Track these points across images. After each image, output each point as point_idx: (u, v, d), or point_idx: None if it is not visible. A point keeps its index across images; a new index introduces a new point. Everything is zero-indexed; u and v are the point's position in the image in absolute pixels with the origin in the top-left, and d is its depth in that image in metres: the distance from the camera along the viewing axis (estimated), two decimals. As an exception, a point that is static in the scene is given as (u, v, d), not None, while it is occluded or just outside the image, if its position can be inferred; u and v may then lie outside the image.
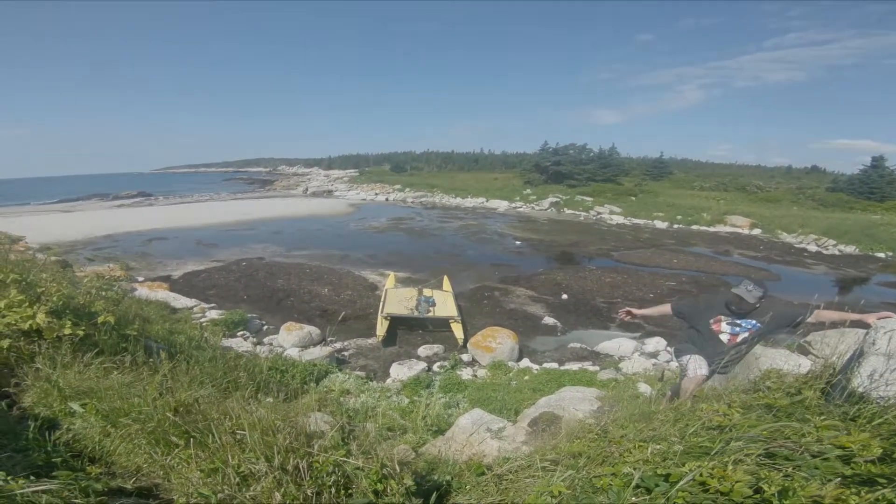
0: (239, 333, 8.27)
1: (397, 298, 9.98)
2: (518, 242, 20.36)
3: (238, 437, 1.81)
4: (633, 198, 34.49)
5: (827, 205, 32.99)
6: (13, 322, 2.94)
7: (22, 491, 1.36)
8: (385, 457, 1.69)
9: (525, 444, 3.42)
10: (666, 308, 3.66)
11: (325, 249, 17.45)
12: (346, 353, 7.97)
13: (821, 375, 2.53)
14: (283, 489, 1.48)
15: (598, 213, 30.33)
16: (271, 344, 8.00)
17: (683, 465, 1.52)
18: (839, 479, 1.32)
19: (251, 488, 1.50)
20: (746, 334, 3.31)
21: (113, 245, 17.94)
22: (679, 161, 68.62)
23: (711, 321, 3.41)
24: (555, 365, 7.53)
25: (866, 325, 2.69)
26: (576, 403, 4.19)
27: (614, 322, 10.36)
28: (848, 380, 2.18)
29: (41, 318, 3.00)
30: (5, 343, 2.80)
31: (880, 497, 1.20)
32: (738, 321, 3.31)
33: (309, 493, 1.48)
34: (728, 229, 25.15)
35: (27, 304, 3.11)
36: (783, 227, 24.16)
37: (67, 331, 3.03)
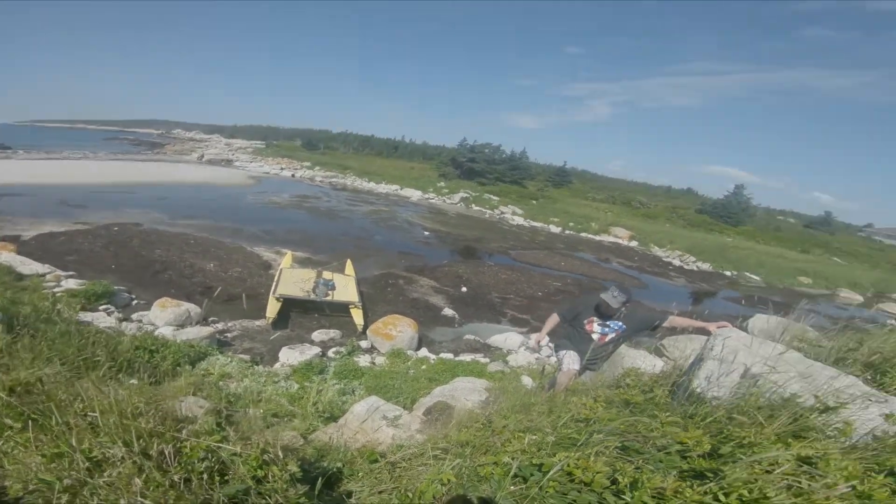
0: (101, 307, 7.24)
1: (293, 279, 9.48)
2: (427, 233, 20.57)
3: (90, 419, 1.59)
4: (535, 202, 36.73)
5: (693, 225, 38.31)
6: None
7: None
8: (267, 442, 1.60)
9: (419, 432, 3.47)
10: (554, 318, 4.07)
11: (216, 221, 16.01)
12: (229, 335, 7.41)
13: (669, 376, 2.92)
14: (144, 475, 1.33)
15: (502, 213, 31.78)
16: (141, 321, 7.12)
17: (554, 455, 1.64)
18: (677, 472, 1.50)
19: (105, 474, 1.32)
20: (613, 335, 3.78)
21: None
22: (579, 172, 74.18)
23: (585, 322, 3.84)
24: (451, 355, 7.76)
25: (708, 333, 3.13)
26: (467, 394, 4.36)
27: (506, 316, 10.99)
28: (689, 381, 2.53)
29: None
30: None
31: (708, 490, 1.38)
32: (607, 322, 3.76)
33: (176, 479, 1.35)
34: (611, 239, 27.89)
35: None
36: (656, 241, 27.46)
37: None
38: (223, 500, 1.32)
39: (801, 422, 1.88)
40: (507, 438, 1.93)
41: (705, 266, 23.90)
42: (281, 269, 10.13)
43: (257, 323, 8.00)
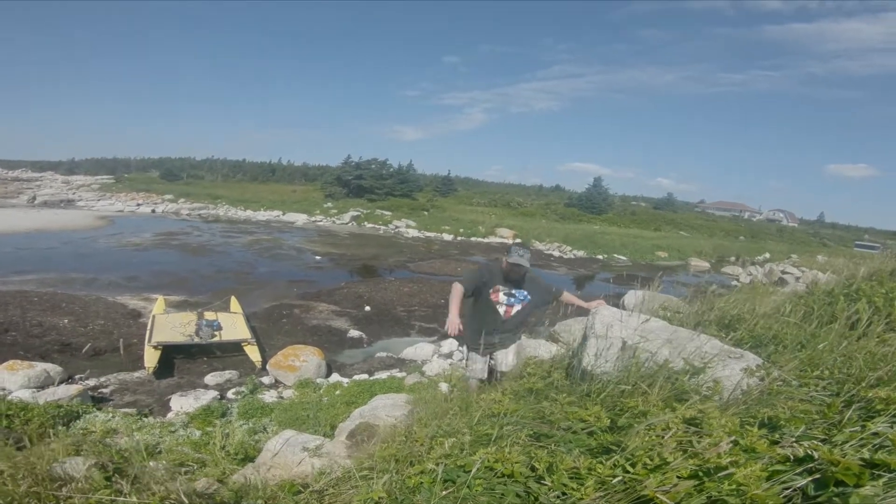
0: None
1: (169, 324, 8.54)
2: (318, 257, 19.76)
3: None
4: (426, 212, 37.54)
5: (565, 218, 42.36)
6: None
7: None
8: (167, 488, 1.43)
9: (347, 458, 3.33)
10: (458, 289, 3.43)
11: (63, 273, 13.61)
12: (105, 391, 6.48)
13: (563, 359, 3.19)
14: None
15: (396, 227, 31.93)
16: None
17: (475, 453, 1.68)
18: (587, 450, 1.62)
19: None
20: (520, 307, 3.41)
21: None
22: (463, 179, 77.52)
23: (490, 291, 3.40)
24: (365, 376, 7.58)
25: (587, 312, 3.31)
26: (388, 410, 4.29)
27: (414, 328, 11.06)
28: (580, 360, 2.72)
29: None
30: None
31: (616, 462, 1.45)
32: (514, 291, 3.37)
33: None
34: (498, 240, 29.65)
35: None
36: (536, 236, 29.83)
37: None
38: None
39: (678, 386, 2.14)
40: (429, 446, 1.94)
41: (580, 253, 26.58)
42: (154, 316, 9.03)
43: (136, 374, 7.07)
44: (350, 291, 13.50)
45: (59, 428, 4.25)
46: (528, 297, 3.41)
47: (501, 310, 3.38)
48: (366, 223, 33.17)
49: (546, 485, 1.44)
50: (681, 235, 39.05)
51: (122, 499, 1.36)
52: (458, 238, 29.54)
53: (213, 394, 6.37)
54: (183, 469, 2.86)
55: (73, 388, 5.98)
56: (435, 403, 3.86)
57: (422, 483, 1.62)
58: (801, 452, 1.36)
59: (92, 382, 6.69)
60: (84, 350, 6.63)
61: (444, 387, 5.95)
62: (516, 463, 1.52)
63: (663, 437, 1.57)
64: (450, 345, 9.41)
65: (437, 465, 1.65)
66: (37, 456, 1.88)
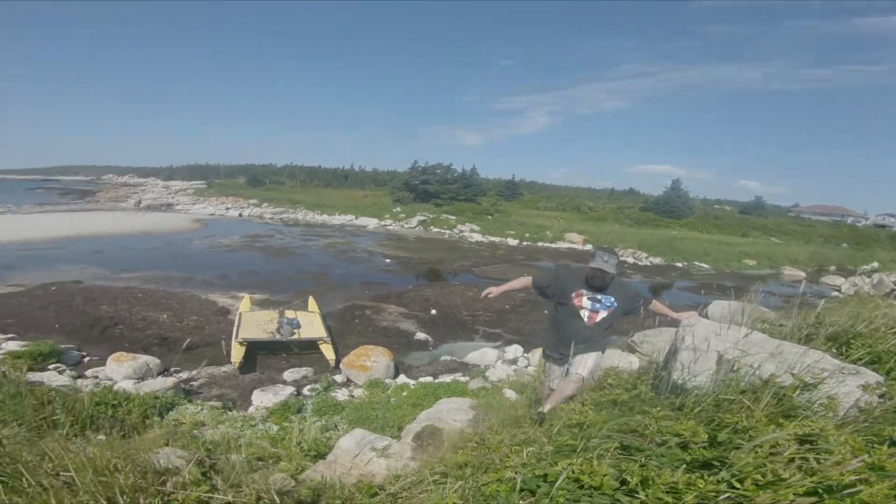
0: (51, 366, 6.75)
1: (254, 322, 9.19)
2: (388, 260, 20.41)
3: (64, 479, 1.47)
4: (490, 217, 37.41)
5: (640, 223, 40.24)
6: None
7: None
8: (260, 488, 1.52)
9: (412, 459, 3.39)
10: (527, 280, 3.43)
11: (164, 271, 15.21)
12: (195, 384, 7.06)
13: (648, 371, 3.01)
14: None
15: (461, 231, 32.14)
16: (97, 377, 6.73)
17: (556, 464, 1.63)
18: (682, 465, 1.51)
19: None
20: (605, 313, 3.14)
21: None
22: (528, 183, 76.37)
23: (573, 295, 3.18)
24: (430, 378, 7.69)
25: (676, 324, 3.15)
26: (454, 414, 4.31)
27: (478, 333, 11.04)
28: (669, 373, 2.58)
29: None
30: None
31: (721, 479, 1.38)
32: (598, 296, 3.13)
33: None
34: (566, 245, 28.81)
35: None
36: (608, 242, 28.56)
37: None
38: None
39: (785, 402, 1.96)
40: (504, 454, 1.92)
41: (657, 260, 25.07)
42: (240, 314, 9.77)
43: (223, 369, 7.64)
44: (417, 294, 13.77)
45: (155, 418, 4.66)
46: (615, 303, 3.15)
47: (585, 315, 3.15)
48: (432, 227, 33.72)
49: (639, 498, 1.37)
50: (771, 242, 35.59)
51: (218, 496, 1.46)
52: (524, 243, 29.10)
53: (290, 390, 6.73)
54: (260, 463, 3.04)
55: (169, 381, 6.55)
56: (503, 411, 3.81)
57: (498, 491, 1.60)
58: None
59: (184, 375, 7.31)
60: (185, 345, 7.34)
61: (509, 393, 5.88)
62: (605, 475, 1.46)
63: (774, 455, 1.47)
64: (514, 351, 9.29)
65: (516, 473, 1.62)
66: (137, 447, 2.10)
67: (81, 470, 1.51)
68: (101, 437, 2.76)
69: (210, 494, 1.48)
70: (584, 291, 3.15)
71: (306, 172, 75.75)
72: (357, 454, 3.20)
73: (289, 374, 7.53)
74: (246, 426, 4.85)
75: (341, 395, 6.77)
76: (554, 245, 28.75)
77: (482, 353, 8.96)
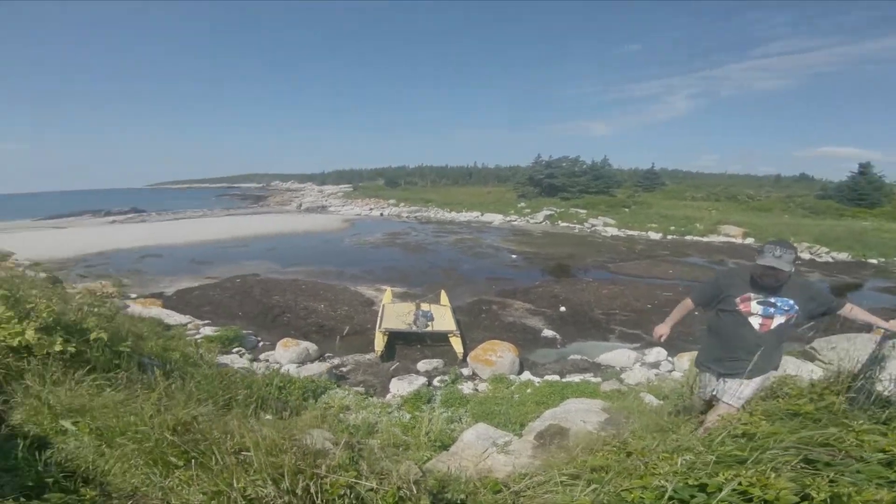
0: (234, 350, 8.10)
1: (395, 313, 9.88)
2: (514, 256, 20.33)
3: (242, 457, 1.71)
4: (627, 209, 34.72)
5: (817, 212, 33.42)
6: (2, 339, 2.82)
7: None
8: (401, 477, 1.59)
9: (533, 457, 3.32)
10: (687, 304, 3.05)
11: (321, 265, 17.30)
12: (344, 369, 7.81)
13: (840, 380, 2.48)
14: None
15: (593, 226, 30.46)
16: (267, 360, 7.84)
17: (717, 474, 1.45)
18: (887, 483, 1.25)
19: None
20: (782, 319, 2.60)
21: (105, 262, 17.66)
22: (670, 172, 69.28)
23: (738, 300, 2.70)
24: (556, 377, 7.43)
25: (867, 328, 2.62)
26: (582, 415, 4.10)
27: (613, 333, 10.32)
28: (872, 384, 2.13)
29: (30, 335, 2.88)
30: None
31: None
32: (772, 299, 2.61)
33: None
34: (721, 239, 25.31)
35: (16, 320, 3.00)
36: (775, 235, 24.31)
37: (58, 347, 2.91)
38: None
39: None
40: (651, 460, 1.74)
41: (842, 256, 20.59)
42: (383, 305, 10.60)
43: (367, 356, 8.35)
44: (545, 290, 13.43)
45: (311, 401, 5.24)
46: (795, 307, 2.60)
47: (756, 322, 2.65)
48: (559, 222, 32.61)
49: None
50: None
51: (364, 482, 1.54)
52: (669, 237, 26.39)
53: (423, 380, 7.06)
54: (392, 450, 3.23)
55: (324, 366, 7.40)
56: (646, 416, 3.50)
57: (643, 499, 1.49)
58: None
59: (336, 361, 8.13)
60: (344, 333, 8.13)
61: (648, 398, 5.38)
62: (783, 489, 1.25)
63: None
64: (656, 354, 8.46)
65: (666, 481, 1.49)
66: (295, 427, 2.39)
67: (257, 448, 1.71)
68: (269, 416, 3.22)
69: (356, 480, 1.56)
70: (753, 295, 2.65)
71: (435, 172, 79.68)
72: (483, 451, 3.23)
73: (422, 365, 7.94)
74: (383, 412, 5.21)
75: (467, 388, 6.90)
76: (705, 238, 25.51)
77: (617, 354, 8.36)
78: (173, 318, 9.31)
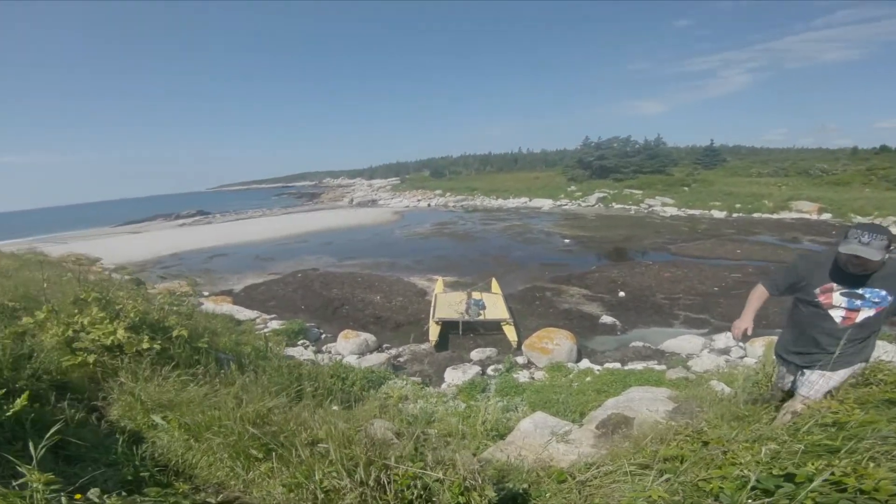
0: (299, 343, 8.53)
1: (447, 303, 9.97)
2: (567, 241, 19.86)
3: (318, 449, 1.79)
4: (686, 188, 32.86)
5: (904, 185, 29.92)
6: (97, 338, 3.10)
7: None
8: (466, 468, 1.61)
9: (594, 447, 3.24)
10: (761, 293, 2.73)
11: (374, 258, 17.76)
12: (401, 360, 8.03)
13: None
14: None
15: (650, 206, 29.14)
16: (330, 352, 8.20)
17: (805, 464, 1.35)
18: None
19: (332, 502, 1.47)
20: (871, 312, 2.29)
21: (178, 263, 19.12)
22: (731, 148, 64.75)
23: (818, 291, 2.42)
24: (617, 365, 7.22)
25: None
26: (647, 404, 3.94)
27: (678, 318, 9.85)
28: None
29: (121, 334, 3.15)
30: (91, 358, 2.97)
31: None
32: (859, 290, 2.30)
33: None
34: (793, 215, 23.39)
35: (108, 320, 3.29)
36: (856, 210, 22.13)
37: (146, 345, 3.17)
38: None
39: None
40: (731, 450, 1.65)
41: (940, 232, 18.37)
42: (436, 295, 10.75)
43: (422, 346, 8.53)
44: (602, 276, 13.03)
45: (371, 391, 5.42)
46: (889, 297, 2.26)
47: (838, 315, 2.37)
48: (613, 204, 31.44)
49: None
50: None
51: (430, 472, 1.56)
52: (734, 215, 24.79)
53: (477, 369, 7.13)
54: (449, 439, 3.26)
55: (382, 356, 7.64)
56: (720, 405, 3.33)
57: (722, 489, 1.44)
58: None
59: (393, 352, 8.37)
60: (395, 325, 8.20)
61: (719, 386, 5.10)
62: (883, 479, 1.17)
63: None
64: (725, 339, 8.00)
65: (750, 471, 1.43)
66: (358, 418, 2.47)
67: (331, 440, 1.78)
68: (335, 407, 3.35)
69: (423, 471, 1.58)
70: (836, 285, 2.35)
71: (479, 160, 79.18)
72: (534, 437, 3.19)
73: (475, 354, 7.98)
74: (439, 402, 5.28)
75: (522, 376, 6.86)
76: (776, 216, 23.71)
77: (683, 341, 7.99)
78: (243, 313, 9.94)
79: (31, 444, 1.43)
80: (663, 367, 6.94)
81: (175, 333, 3.46)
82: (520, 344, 8.14)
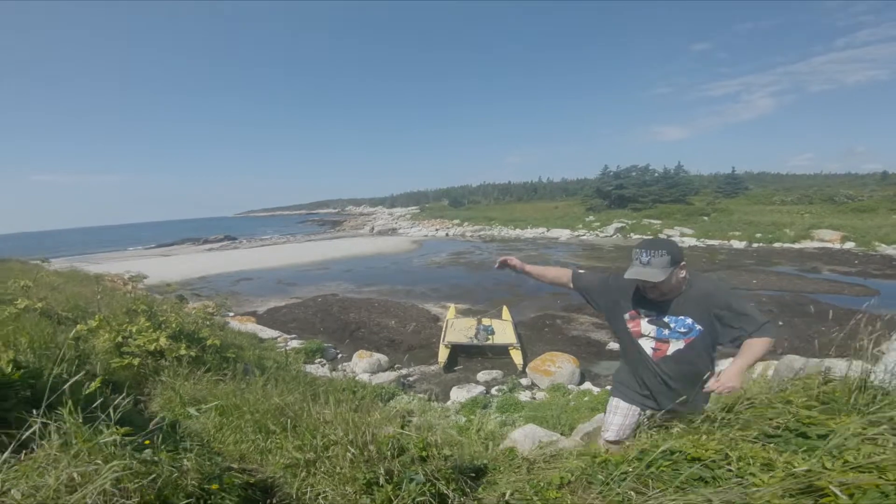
0: (317, 361, 9.07)
1: (457, 328, 10.39)
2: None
3: (323, 415, 2.28)
4: (706, 217, 32.72)
5: (935, 211, 29.24)
6: (142, 344, 3.69)
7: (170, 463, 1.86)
8: (429, 433, 2.07)
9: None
10: (564, 273, 2.49)
11: (392, 285, 18.34)
12: (411, 379, 8.47)
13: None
14: (351, 452, 1.92)
15: (669, 236, 29.05)
16: (345, 370, 8.69)
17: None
18: (803, 450, 1.49)
19: (329, 451, 1.95)
20: (681, 345, 1.99)
21: (206, 285, 20.05)
22: (755, 175, 64.19)
23: (627, 316, 2.14)
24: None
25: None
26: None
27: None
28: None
29: (163, 341, 3.74)
30: (137, 361, 3.55)
31: (815, 459, 1.37)
32: (666, 319, 2.01)
33: (372, 454, 1.90)
34: (815, 244, 23.05)
35: (152, 329, 3.89)
36: (881, 238, 21.73)
37: (183, 352, 3.74)
38: (397, 467, 1.82)
39: None
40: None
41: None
42: (447, 321, 11.18)
43: (432, 367, 8.97)
44: (612, 305, 13.23)
45: (380, 404, 5.91)
46: (696, 326, 1.96)
47: (648, 347, 2.08)
48: (631, 234, 31.49)
49: (732, 471, 1.47)
50: None
51: (405, 432, 2.04)
52: (754, 244, 24.57)
53: (481, 389, 7.52)
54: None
55: (393, 375, 8.13)
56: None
57: (612, 460, 1.81)
58: None
59: (404, 371, 8.83)
60: (406, 348, 8.69)
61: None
62: (709, 450, 1.56)
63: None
64: (728, 362, 8.12)
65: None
66: (366, 423, 2.94)
67: (336, 418, 2.26)
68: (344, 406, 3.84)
69: (401, 432, 2.04)
70: (643, 311, 2.08)
71: (498, 189, 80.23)
72: (522, 445, 3.56)
73: (482, 375, 8.34)
74: (442, 416, 5.68)
75: (524, 396, 7.19)
76: (797, 245, 23.41)
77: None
78: (265, 332, 10.56)
79: (110, 411, 1.95)
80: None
81: (208, 342, 4.03)
82: (525, 367, 8.45)
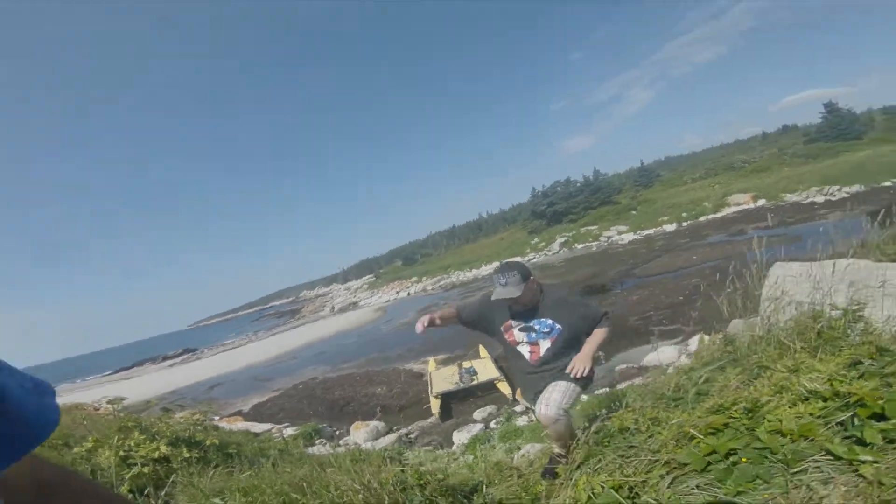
0: (317, 442, 8.89)
1: (441, 377, 10.58)
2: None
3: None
4: (634, 211, 35.10)
5: (812, 157, 33.41)
6: (145, 454, 3.75)
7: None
8: (421, 466, 2.42)
9: None
10: (451, 311, 2.73)
11: (367, 355, 18.17)
12: (411, 436, 8.51)
13: None
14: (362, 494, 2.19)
15: (608, 238, 30.87)
16: (346, 444, 8.54)
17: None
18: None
19: (343, 497, 2.25)
20: (548, 343, 2.40)
21: (180, 398, 18.91)
22: (663, 161, 70.03)
23: (502, 329, 2.54)
24: (607, 389, 7.82)
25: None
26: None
27: (653, 334, 10.58)
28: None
29: (164, 449, 3.81)
30: (146, 469, 3.62)
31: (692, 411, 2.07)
32: (532, 324, 2.43)
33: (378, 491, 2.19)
34: (733, 209, 25.49)
35: (149, 440, 3.93)
36: (783, 189, 24.43)
37: (186, 454, 3.82)
38: (400, 497, 2.11)
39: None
40: None
41: (854, 188, 20.59)
42: (430, 374, 11.36)
43: (428, 421, 9.06)
44: (577, 316, 13.87)
45: (387, 465, 5.99)
46: (556, 326, 2.40)
47: (525, 352, 2.47)
48: (576, 245, 33.10)
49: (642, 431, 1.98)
50: None
51: (405, 469, 2.36)
52: (683, 224, 26.69)
53: (480, 426, 7.72)
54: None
55: (393, 437, 8.20)
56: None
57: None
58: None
59: (403, 431, 8.86)
60: (420, 411, 8.87)
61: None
62: (627, 420, 2.04)
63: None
64: (696, 341, 8.76)
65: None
66: (370, 471, 3.18)
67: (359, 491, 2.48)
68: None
69: (403, 469, 2.35)
70: (514, 322, 2.49)
71: (445, 236, 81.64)
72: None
73: (477, 414, 8.51)
74: (451, 459, 5.80)
75: (522, 421, 7.40)
76: (719, 214, 25.76)
77: (661, 353, 8.65)
78: (257, 427, 10.24)
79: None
80: (650, 379, 7.60)
81: (208, 442, 4.10)
82: (514, 395, 8.71)
